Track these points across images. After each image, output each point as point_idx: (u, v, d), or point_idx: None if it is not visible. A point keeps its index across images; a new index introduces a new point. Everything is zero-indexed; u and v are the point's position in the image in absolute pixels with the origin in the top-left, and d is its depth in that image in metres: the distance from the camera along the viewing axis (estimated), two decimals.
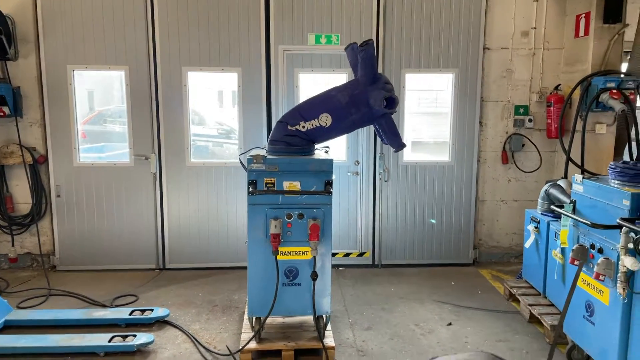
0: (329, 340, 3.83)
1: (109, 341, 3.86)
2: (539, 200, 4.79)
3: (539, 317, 4.29)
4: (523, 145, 5.82)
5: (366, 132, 5.62)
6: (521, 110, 5.76)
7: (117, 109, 5.69)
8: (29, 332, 4.11)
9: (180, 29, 5.34)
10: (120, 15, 5.30)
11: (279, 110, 5.44)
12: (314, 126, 3.68)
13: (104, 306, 4.72)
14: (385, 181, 5.72)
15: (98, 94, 5.99)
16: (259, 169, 3.57)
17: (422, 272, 5.75)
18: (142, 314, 4.38)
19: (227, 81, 5.66)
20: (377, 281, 5.47)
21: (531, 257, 4.85)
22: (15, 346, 3.76)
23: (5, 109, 5.13)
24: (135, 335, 3.95)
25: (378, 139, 5.63)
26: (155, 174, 5.53)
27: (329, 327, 4.01)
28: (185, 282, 5.39)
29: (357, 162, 5.67)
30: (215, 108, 6.15)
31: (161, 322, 4.40)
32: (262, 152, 3.80)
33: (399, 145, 3.82)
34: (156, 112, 5.45)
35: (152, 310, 4.44)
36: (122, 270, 5.66)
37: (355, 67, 3.79)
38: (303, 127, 3.69)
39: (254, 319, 3.79)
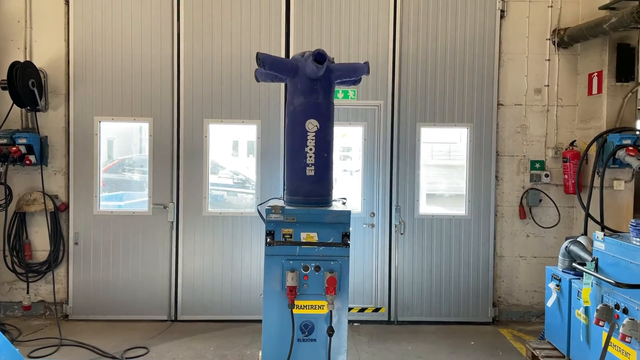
0: None
1: None
2: (560, 257, 4.69)
3: None
4: (540, 200, 5.78)
5: (382, 183, 5.66)
6: (537, 165, 5.77)
7: (137, 158, 5.84)
8: None
9: (204, 82, 5.57)
10: (147, 70, 5.57)
11: None
12: (313, 139, 3.70)
13: (114, 358, 4.63)
14: (402, 234, 5.69)
15: (118, 143, 6.18)
16: (277, 220, 3.59)
17: (440, 330, 5.57)
18: None
19: (246, 133, 5.81)
20: (394, 339, 5.30)
21: (554, 316, 4.69)
22: None
23: (32, 158, 5.31)
24: None
25: (394, 191, 5.65)
26: (172, 222, 5.58)
27: None
28: (197, 334, 5.29)
29: (373, 213, 5.67)
30: (230, 158, 6.28)
31: None
32: (280, 203, 3.84)
33: (363, 69, 3.79)
34: (177, 162, 5.58)
35: None
36: (135, 321, 5.59)
37: (277, 78, 3.89)
38: (311, 149, 3.71)
39: None
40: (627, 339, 3.10)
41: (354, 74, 3.84)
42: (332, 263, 3.62)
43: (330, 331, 3.56)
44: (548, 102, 5.76)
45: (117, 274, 5.59)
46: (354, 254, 5.61)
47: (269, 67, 3.60)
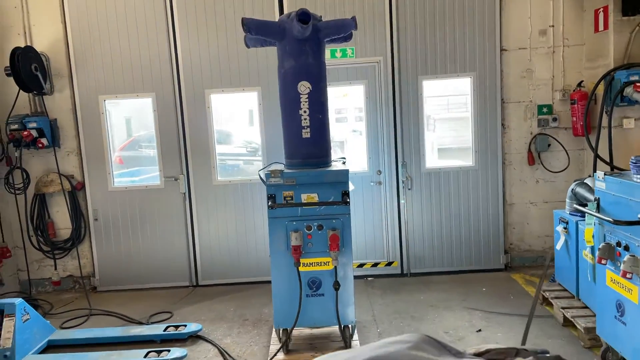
0: None
1: (145, 357, 4.02)
2: (567, 200, 4.68)
3: (573, 320, 4.17)
4: (549, 145, 5.71)
5: (387, 141, 5.66)
6: (544, 110, 5.66)
7: (149, 134, 5.97)
8: (71, 351, 4.34)
9: (201, 53, 5.58)
10: (145, 45, 5.60)
11: None
12: (307, 101, 3.70)
13: (140, 323, 4.91)
14: (409, 189, 5.73)
15: (135, 121, 6.31)
16: (277, 183, 3.68)
17: (453, 280, 5.68)
18: (176, 330, 4.54)
19: (248, 100, 5.85)
20: (406, 290, 5.45)
21: (562, 259, 4.73)
22: None
23: (44, 141, 5.48)
24: (169, 351, 4.09)
25: (399, 148, 5.66)
26: (184, 193, 5.75)
27: (356, 336, 4.04)
28: (217, 297, 5.53)
29: (379, 171, 5.71)
30: (235, 126, 6.35)
31: (194, 337, 4.54)
32: (281, 167, 3.92)
33: (351, 24, 3.73)
34: (183, 134, 5.68)
35: (185, 325, 4.59)
36: (159, 289, 5.87)
37: (267, 42, 3.87)
38: (305, 112, 3.73)
39: (280, 331, 3.87)
40: (628, 275, 3.13)
41: (342, 30, 3.81)
42: (333, 221, 3.72)
43: (337, 285, 3.70)
44: (554, 43, 5.58)
45: (138, 246, 5.83)
46: (364, 211, 5.71)
47: (255, 31, 3.60)
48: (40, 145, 5.47)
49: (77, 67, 5.63)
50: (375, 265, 5.84)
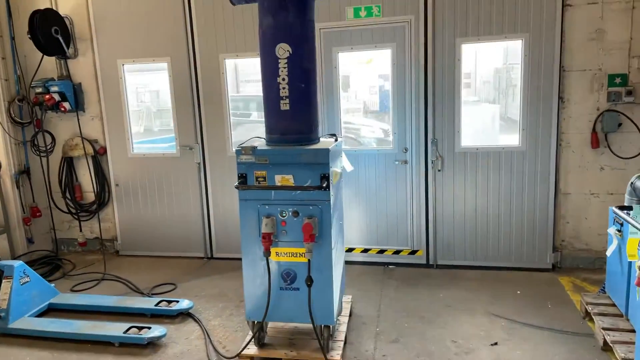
0: (335, 354, 3.41)
1: (125, 332, 3.92)
2: (626, 197, 3.75)
3: (612, 345, 3.36)
4: (620, 124, 4.64)
5: (415, 115, 4.95)
6: (617, 81, 4.57)
7: (165, 101, 5.78)
8: (66, 316, 4.39)
9: (216, 17, 5.20)
10: (160, 9, 5.33)
11: (319, 93, 5.04)
12: (286, 67, 3.18)
13: (142, 294, 4.86)
14: (439, 170, 5.00)
15: (155, 88, 6.17)
16: (248, 161, 3.25)
17: (484, 277, 4.95)
18: (168, 305, 4.40)
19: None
20: (426, 284, 4.84)
21: (614, 267, 3.84)
22: (43, 330, 4.00)
23: (66, 105, 5.51)
24: (149, 328, 3.95)
25: (430, 123, 4.93)
26: (199, 164, 5.53)
27: (342, 337, 3.60)
28: (227, 272, 5.34)
29: (406, 149, 5.04)
30: (251, 94, 5.95)
31: (185, 315, 4.38)
32: (261, 142, 3.48)
33: None
34: (197, 101, 5.42)
35: (177, 302, 4.43)
36: (175, 258, 5.82)
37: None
38: (283, 80, 3.22)
39: (253, 323, 3.53)
40: None
41: None
42: (311, 208, 3.23)
43: (309, 281, 3.25)
44: None
45: (155, 214, 5.78)
46: (387, 192, 5.12)
47: None
48: (62, 109, 5.52)
49: (97, 30, 5.54)
50: (397, 252, 5.27)
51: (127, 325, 4.01)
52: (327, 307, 3.35)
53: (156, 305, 4.39)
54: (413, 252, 5.24)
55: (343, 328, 3.77)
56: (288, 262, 3.34)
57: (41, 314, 4.43)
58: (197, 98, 5.41)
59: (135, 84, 5.78)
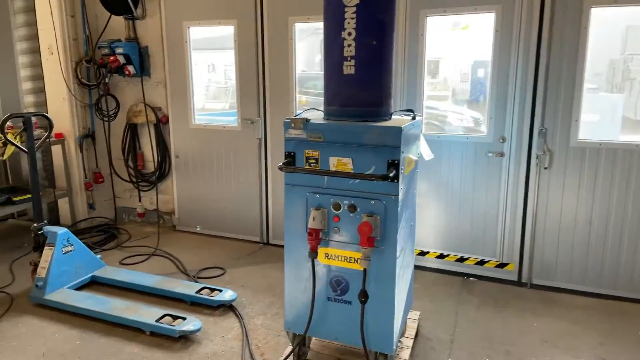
0: None
1: (159, 319, 3.51)
2: None
3: None
4: None
5: (519, 97, 3.97)
6: None
7: (230, 68, 5.29)
8: (106, 291, 4.11)
9: None
10: None
11: (399, 68, 4.24)
12: (354, 17, 2.42)
13: (188, 276, 4.47)
14: (545, 168, 4.00)
15: (220, 67, 5.74)
16: (298, 137, 2.58)
17: (595, 306, 3.91)
18: (211, 294, 3.94)
19: None
20: (517, 307, 3.91)
21: None
22: (77, 306, 3.71)
23: (131, 68, 5.22)
24: (184, 319, 3.50)
25: (538, 108, 3.93)
26: (260, 140, 4.99)
27: None
28: (279, 262, 4.74)
29: (503, 138, 4.08)
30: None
31: (227, 307, 3.89)
32: (318, 115, 2.79)
33: None
34: (262, 70, 4.85)
35: (220, 291, 3.95)
36: (230, 239, 5.40)
37: None
38: (349, 34, 2.48)
39: (292, 335, 2.91)
40: None
41: None
42: (372, 203, 2.50)
43: (362, 296, 2.54)
44: None
45: (213, 190, 5.37)
46: (473, 190, 4.23)
47: None
48: (127, 72, 5.24)
49: None
50: (480, 263, 4.36)
51: (162, 312, 3.60)
52: (385, 330, 2.63)
53: (198, 292, 3.94)
54: (501, 265, 4.31)
55: (405, 354, 3.03)
56: (339, 268, 2.66)
57: (83, 287, 4.18)
58: (262, 66, 4.84)
59: (203, 61, 5.38)
